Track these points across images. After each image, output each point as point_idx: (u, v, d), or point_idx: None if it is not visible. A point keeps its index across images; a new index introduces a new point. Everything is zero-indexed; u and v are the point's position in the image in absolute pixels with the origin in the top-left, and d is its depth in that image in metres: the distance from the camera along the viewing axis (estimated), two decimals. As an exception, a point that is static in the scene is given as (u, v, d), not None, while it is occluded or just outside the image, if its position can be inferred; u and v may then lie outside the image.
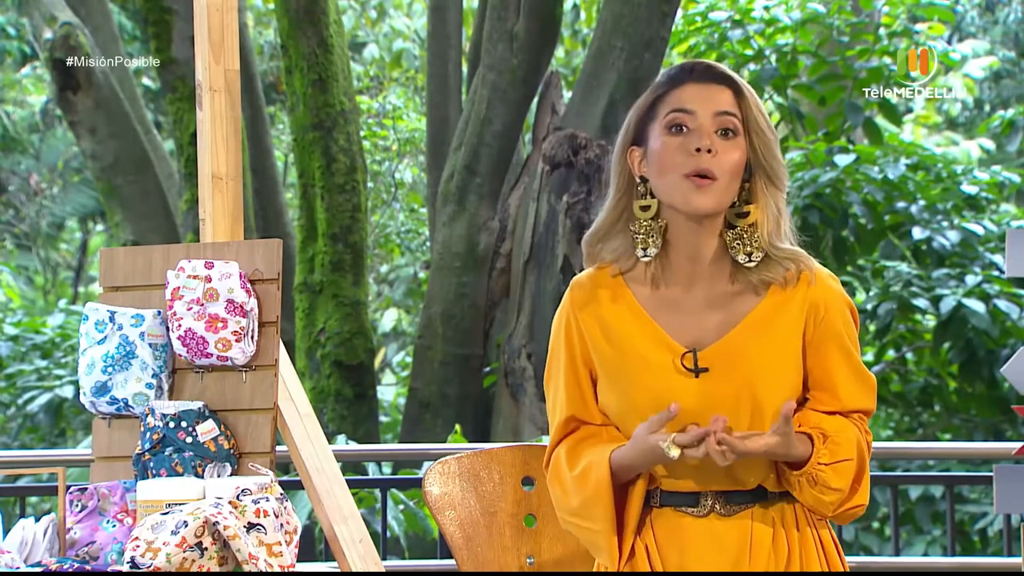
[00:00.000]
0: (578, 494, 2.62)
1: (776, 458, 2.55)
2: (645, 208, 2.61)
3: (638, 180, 2.62)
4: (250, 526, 2.89)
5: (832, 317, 2.61)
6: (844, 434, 2.58)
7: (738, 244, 2.59)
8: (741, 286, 2.61)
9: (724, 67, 2.64)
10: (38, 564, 3.06)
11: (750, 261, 2.58)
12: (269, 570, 2.87)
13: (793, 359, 2.59)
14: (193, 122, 8.23)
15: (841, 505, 2.58)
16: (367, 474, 5.92)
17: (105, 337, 3.38)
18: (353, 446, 6.12)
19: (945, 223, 9.38)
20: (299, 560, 3.00)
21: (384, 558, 4.50)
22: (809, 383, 2.63)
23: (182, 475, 3.26)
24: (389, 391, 12.12)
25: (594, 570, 2.72)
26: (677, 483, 2.61)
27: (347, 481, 3.60)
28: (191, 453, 3.28)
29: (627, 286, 2.65)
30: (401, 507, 5.85)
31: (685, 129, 2.56)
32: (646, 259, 2.61)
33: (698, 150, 2.54)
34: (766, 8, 10.11)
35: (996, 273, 8.98)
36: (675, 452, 2.49)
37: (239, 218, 3.57)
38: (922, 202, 9.45)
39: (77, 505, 3.26)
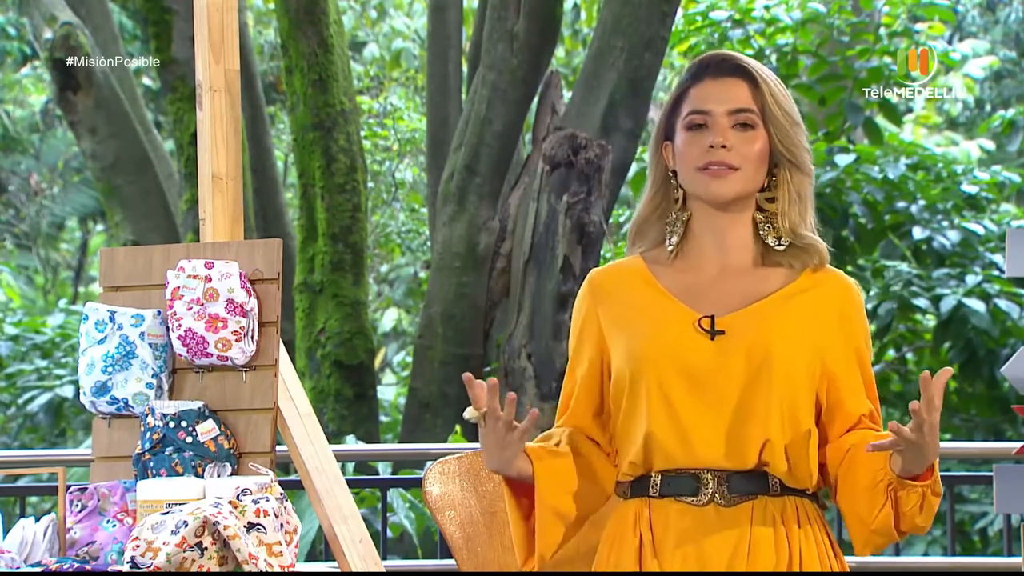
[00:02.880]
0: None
1: (926, 440, 2.47)
2: (676, 200, 2.68)
3: (671, 173, 2.69)
4: (250, 526, 2.89)
5: (856, 321, 2.65)
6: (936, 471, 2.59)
7: (768, 227, 2.64)
8: (767, 272, 2.65)
9: (742, 58, 2.66)
10: (38, 564, 3.06)
11: (779, 244, 2.64)
12: (269, 570, 2.87)
13: (814, 336, 2.60)
14: (193, 122, 8.22)
15: (901, 534, 2.62)
16: (377, 474, 5.91)
17: (105, 337, 3.38)
18: (353, 446, 6.12)
19: (945, 223, 9.38)
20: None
21: (384, 558, 4.50)
22: (825, 386, 2.62)
23: (182, 475, 3.26)
24: (389, 391, 12.12)
25: (594, 569, 2.71)
26: (677, 458, 2.58)
27: (347, 481, 3.60)
28: (191, 453, 3.28)
29: (648, 268, 2.69)
30: (407, 506, 5.85)
31: (704, 128, 2.62)
32: (670, 247, 2.67)
33: (711, 147, 2.59)
34: (766, 8, 10.11)
35: (996, 273, 8.98)
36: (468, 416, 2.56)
37: (239, 218, 3.57)
38: (922, 202, 9.46)
39: (77, 505, 3.26)
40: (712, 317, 2.59)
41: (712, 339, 2.58)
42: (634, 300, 2.66)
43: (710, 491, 2.58)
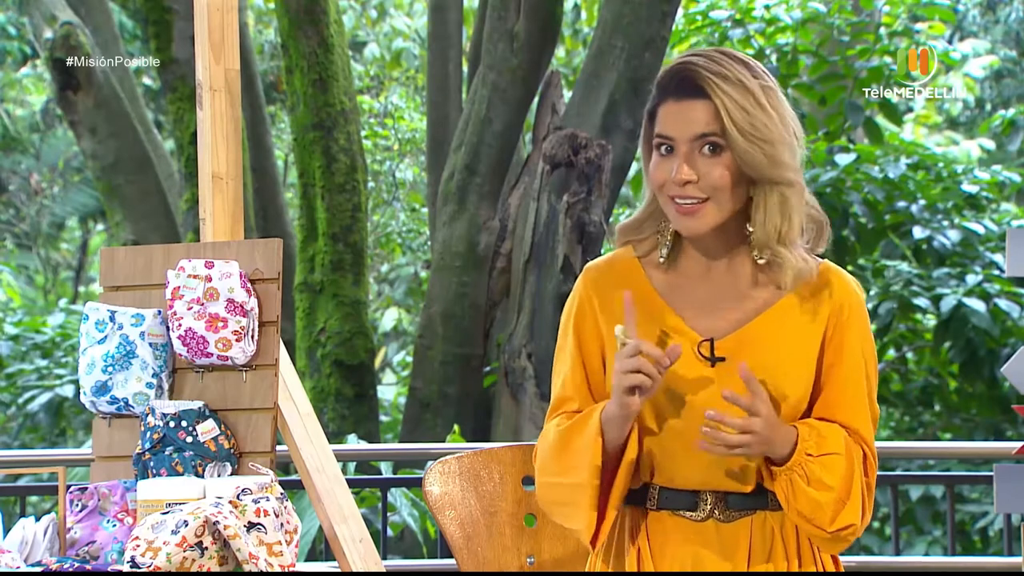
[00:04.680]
0: (565, 446, 2.54)
1: (758, 444, 2.44)
2: None
3: None
4: (250, 526, 2.88)
5: (852, 324, 2.55)
6: (831, 430, 2.51)
7: (754, 239, 2.53)
8: (760, 280, 2.56)
9: (702, 74, 2.48)
10: (38, 564, 3.06)
11: (761, 258, 2.53)
12: (269, 570, 2.87)
13: (810, 355, 2.53)
14: (193, 122, 8.23)
15: (837, 513, 2.47)
16: (379, 473, 5.91)
17: (105, 337, 3.38)
18: (353, 446, 6.12)
19: (945, 222, 9.39)
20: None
21: (384, 558, 4.50)
22: (816, 394, 2.55)
23: (182, 475, 3.26)
24: (389, 391, 12.12)
25: (588, 569, 2.70)
26: (675, 479, 2.55)
27: (348, 481, 3.59)
28: (191, 453, 3.28)
29: (644, 270, 2.61)
30: (410, 504, 5.85)
31: (671, 151, 2.51)
32: (661, 260, 2.59)
33: (676, 182, 2.49)
34: (767, 7, 10.11)
35: (996, 272, 8.99)
36: (619, 333, 2.44)
37: (239, 218, 3.57)
38: (922, 201, 9.46)
39: (77, 504, 3.26)
40: (711, 341, 2.51)
41: (712, 366, 2.51)
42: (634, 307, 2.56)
43: (708, 507, 2.55)
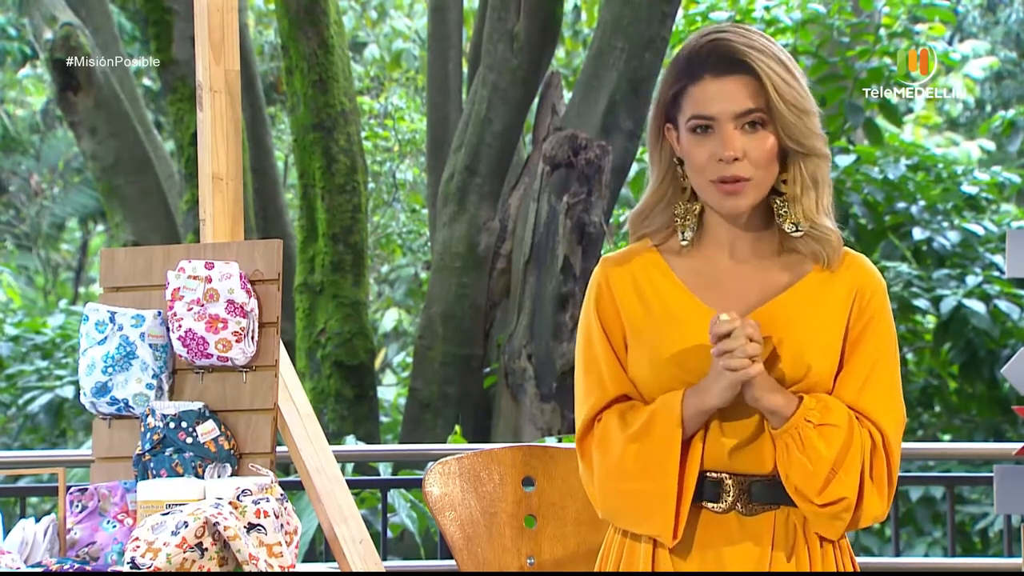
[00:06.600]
0: (638, 450, 2.50)
1: (758, 368, 2.43)
2: (683, 189, 2.56)
3: (676, 161, 2.55)
4: (250, 526, 2.89)
5: (877, 309, 2.54)
6: (837, 405, 2.48)
7: (785, 212, 2.53)
8: (784, 260, 2.55)
9: (742, 49, 2.46)
10: (38, 564, 3.06)
11: (797, 231, 2.52)
12: (269, 570, 2.87)
13: (835, 335, 2.51)
14: (193, 122, 8.23)
15: (828, 483, 2.44)
16: (378, 474, 5.90)
17: (105, 338, 3.38)
18: (353, 446, 6.12)
19: (945, 223, 9.40)
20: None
21: (384, 558, 4.50)
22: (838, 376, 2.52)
23: (182, 476, 3.26)
24: (390, 391, 12.12)
25: (596, 569, 2.69)
26: (697, 459, 2.50)
27: (348, 481, 3.60)
28: (191, 454, 3.28)
29: (663, 258, 2.58)
30: (408, 505, 5.86)
31: (709, 130, 2.48)
32: (684, 242, 2.56)
33: (721, 160, 2.46)
34: (767, 8, 10.12)
35: (996, 273, 8.99)
36: (728, 320, 2.41)
37: (239, 218, 3.57)
38: (922, 202, 9.47)
39: (77, 505, 3.26)
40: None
41: None
42: (654, 297, 2.55)
43: (731, 498, 2.50)
